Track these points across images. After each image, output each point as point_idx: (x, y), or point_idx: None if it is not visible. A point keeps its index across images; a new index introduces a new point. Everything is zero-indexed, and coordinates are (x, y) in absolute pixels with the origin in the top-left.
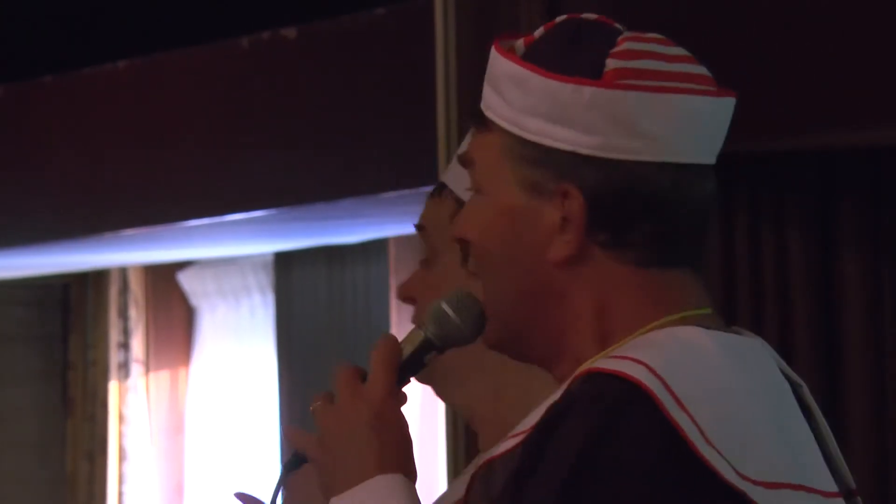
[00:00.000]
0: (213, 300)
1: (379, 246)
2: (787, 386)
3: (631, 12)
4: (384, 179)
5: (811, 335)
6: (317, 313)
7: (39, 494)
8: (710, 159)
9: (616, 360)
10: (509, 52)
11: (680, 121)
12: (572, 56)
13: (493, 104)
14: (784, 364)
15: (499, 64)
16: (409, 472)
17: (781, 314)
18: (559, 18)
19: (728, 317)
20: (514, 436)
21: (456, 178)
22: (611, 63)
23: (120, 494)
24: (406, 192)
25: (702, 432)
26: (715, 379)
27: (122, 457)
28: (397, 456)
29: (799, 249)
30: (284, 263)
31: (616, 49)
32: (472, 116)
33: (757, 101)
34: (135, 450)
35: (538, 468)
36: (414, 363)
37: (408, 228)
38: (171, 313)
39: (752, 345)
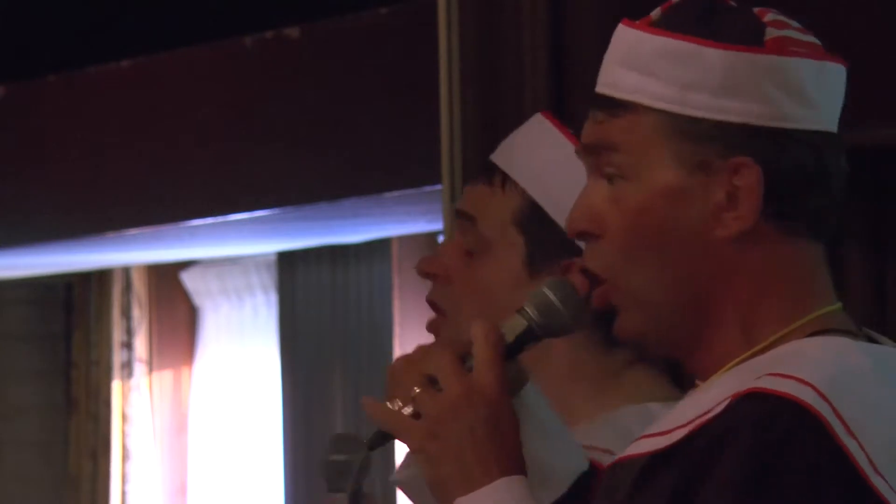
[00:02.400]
0: (217, 300)
1: (382, 246)
2: None
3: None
4: (387, 179)
5: None
6: (320, 313)
7: (43, 494)
8: (839, 130)
9: (782, 380)
10: (660, 29)
11: (833, 88)
12: (731, 26)
13: (636, 85)
14: None
15: (647, 42)
16: (524, 471)
17: None
18: None
19: None
20: (653, 435)
21: (523, 169)
22: (771, 31)
23: (123, 494)
24: (409, 191)
25: (870, 460)
26: (876, 401)
27: (125, 456)
28: (515, 455)
29: None
30: (288, 263)
31: (766, 19)
32: (594, 103)
33: None
34: (138, 449)
35: (701, 492)
36: (513, 352)
37: (411, 228)
38: (175, 313)
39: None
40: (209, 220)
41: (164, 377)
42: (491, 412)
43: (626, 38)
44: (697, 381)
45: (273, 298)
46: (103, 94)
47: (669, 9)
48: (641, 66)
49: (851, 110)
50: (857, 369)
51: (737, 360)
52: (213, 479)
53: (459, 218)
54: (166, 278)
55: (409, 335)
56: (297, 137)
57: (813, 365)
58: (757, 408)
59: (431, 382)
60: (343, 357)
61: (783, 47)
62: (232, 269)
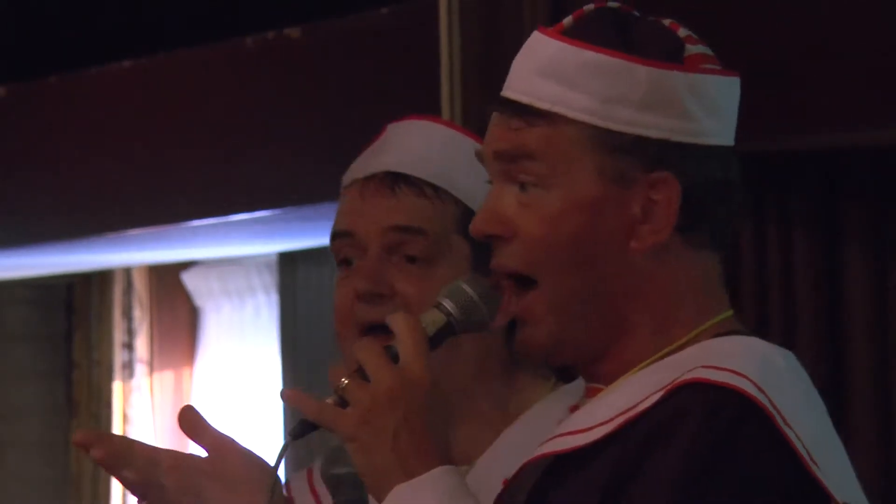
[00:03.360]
0: (218, 300)
1: None
2: (822, 402)
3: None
4: None
5: (816, 334)
6: (321, 313)
7: (44, 494)
8: None
9: (719, 372)
10: (582, 41)
11: (735, 102)
12: (652, 41)
13: (558, 96)
14: None
15: (571, 54)
16: (451, 461)
17: (787, 313)
18: (587, 8)
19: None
20: (568, 434)
21: (451, 179)
22: (689, 48)
23: (124, 494)
24: None
25: (806, 449)
26: (794, 396)
27: None
28: (444, 445)
29: (804, 249)
30: (289, 263)
31: (681, 34)
32: (509, 111)
33: (761, 102)
34: None
35: (648, 480)
36: (431, 346)
37: None
38: (176, 313)
39: (795, 360)
40: (210, 221)
41: (165, 378)
42: (423, 402)
43: (546, 48)
44: (595, 385)
45: (274, 299)
46: (104, 94)
47: (584, 19)
48: (564, 77)
49: (857, 110)
50: (776, 365)
51: (647, 361)
52: None
53: (405, 233)
54: (167, 279)
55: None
56: (298, 137)
57: (742, 359)
58: (701, 397)
59: (360, 374)
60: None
61: (700, 64)
62: (233, 270)
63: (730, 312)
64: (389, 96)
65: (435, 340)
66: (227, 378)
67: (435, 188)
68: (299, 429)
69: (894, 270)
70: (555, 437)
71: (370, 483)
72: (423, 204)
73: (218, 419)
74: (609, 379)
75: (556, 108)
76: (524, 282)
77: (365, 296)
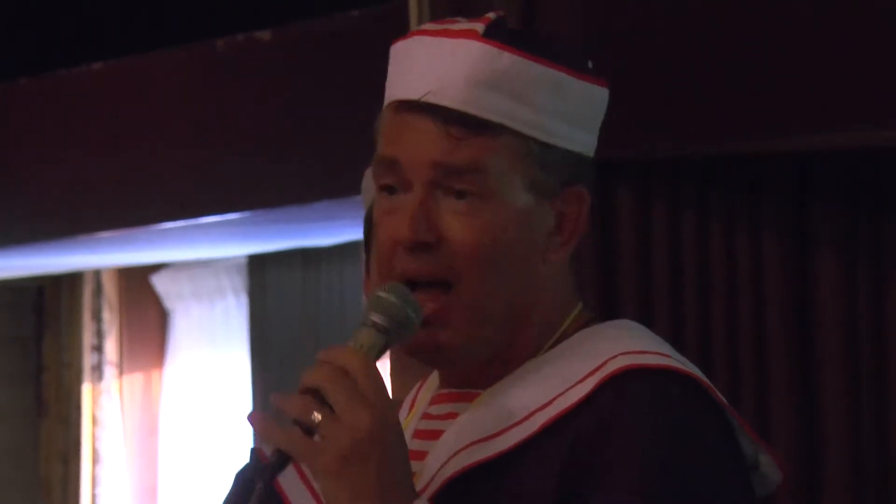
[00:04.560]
0: (187, 303)
1: (353, 248)
2: None
3: (600, 17)
4: (358, 182)
5: (786, 337)
6: (291, 316)
7: (13, 497)
8: None
9: (648, 356)
10: (540, 58)
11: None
12: (576, 55)
13: (506, 108)
14: None
15: (526, 68)
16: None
17: (757, 315)
18: (491, 14)
19: (703, 317)
20: (483, 440)
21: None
22: (590, 63)
23: (93, 497)
24: None
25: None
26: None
27: (95, 459)
28: (411, 477)
29: (774, 251)
30: (258, 266)
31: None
32: (452, 121)
33: (732, 104)
34: (108, 452)
35: (610, 473)
36: None
37: None
38: (145, 316)
39: None
40: (180, 224)
41: (135, 380)
42: (397, 439)
43: (494, 60)
44: (471, 391)
45: (243, 301)
46: (74, 96)
47: (512, 30)
48: (512, 90)
49: (827, 113)
50: (663, 340)
51: (530, 360)
52: (184, 482)
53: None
54: (137, 281)
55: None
56: (268, 140)
57: (644, 342)
58: (646, 384)
59: (326, 408)
60: (313, 360)
61: (602, 78)
62: (202, 272)
63: (580, 306)
64: (360, 98)
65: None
66: (197, 380)
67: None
68: (280, 463)
69: (864, 273)
70: (462, 448)
71: None
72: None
73: (187, 421)
74: (487, 382)
75: (503, 120)
76: (442, 286)
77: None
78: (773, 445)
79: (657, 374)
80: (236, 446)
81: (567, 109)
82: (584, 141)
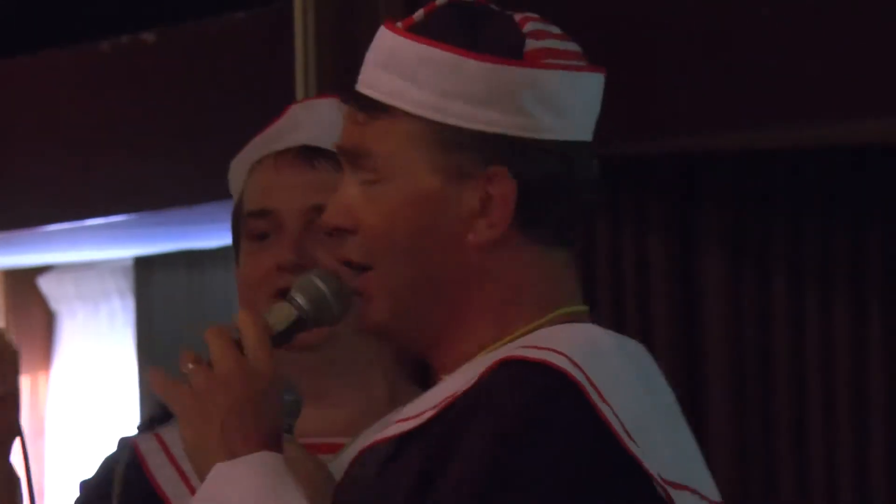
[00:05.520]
0: (73, 305)
1: None
2: (670, 391)
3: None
4: None
5: (671, 337)
6: (177, 317)
7: None
8: (591, 136)
9: (536, 350)
10: (421, 35)
11: (587, 98)
12: (492, 36)
13: (397, 89)
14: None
15: (408, 47)
16: (281, 450)
17: (642, 316)
18: (439, 2)
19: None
20: (402, 420)
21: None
22: (531, 43)
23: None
24: None
25: (623, 426)
26: (620, 377)
27: None
28: (276, 434)
29: (660, 252)
30: (144, 268)
31: (526, 29)
32: (355, 104)
33: (618, 105)
34: None
35: (456, 460)
36: (284, 339)
37: None
38: (32, 318)
39: (640, 348)
40: (65, 226)
41: (22, 382)
42: (260, 391)
43: (388, 41)
44: (442, 376)
45: (130, 303)
46: None
47: (432, 13)
48: (403, 71)
49: (713, 115)
50: (603, 346)
51: (483, 350)
52: (71, 484)
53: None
54: (23, 283)
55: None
56: (153, 142)
57: (565, 340)
58: (511, 372)
59: (203, 362)
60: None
61: (540, 59)
62: (88, 274)
63: (580, 307)
64: (245, 101)
65: (286, 334)
66: (84, 382)
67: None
68: (162, 416)
69: (749, 274)
70: (389, 425)
71: (193, 460)
72: (341, 178)
73: (74, 423)
74: (451, 369)
75: (395, 102)
76: (362, 269)
77: (289, 266)
78: None
79: (528, 365)
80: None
81: (467, 89)
82: (501, 121)
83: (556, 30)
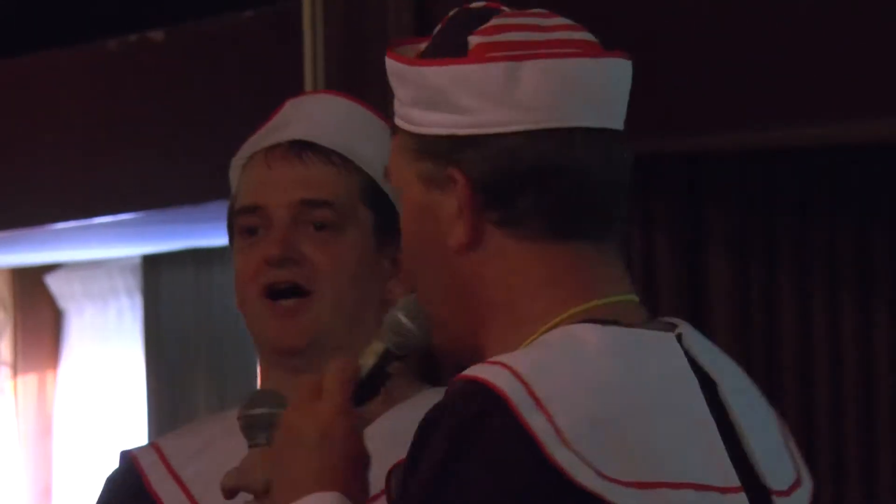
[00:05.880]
0: (81, 303)
1: None
2: (689, 380)
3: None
4: None
5: None
6: (184, 316)
7: None
8: (604, 123)
9: (482, 366)
10: (391, 52)
11: (551, 85)
12: (440, 42)
13: (394, 106)
14: (710, 357)
15: (388, 65)
16: (351, 491)
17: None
18: (452, 12)
19: None
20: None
21: (354, 147)
22: (473, 40)
23: None
24: None
25: (559, 434)
26: (589, 378)
27: None
28: (338, 474)
29: (666, 251)
30: (152, 266)
31: (481, 27)
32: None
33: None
34: (2, 453)
35: (409, 483)
36: (378, 375)
37: None
38: (39, 316)
39: (650, 338)
40: (73, 224)
41: (29, 381)
42: (319, 433)
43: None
44: None
45: (137, 301)
46: None
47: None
48: (391, 87)
49: (719, 114)
50: (579, 349)
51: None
52: (78, 483)
53: (314, 206)
54: (30, 281)
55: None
56: (161, 140)
57: (536, 350)
58: (455, 392)
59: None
60: (207, 360)
61: (484, 53)
62: (96, 273)
63: (594, 302)
64: (253, 99)
65: (377, 370)
66: (91, 381)
67: (341, 157)
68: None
69: (756, 273)
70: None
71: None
72: (330, 172)
73: (82, 422)
74: None
75: (396, 119)
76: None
77: (275, 261)
78: None
79: (464, 383)
80: (131, 446)
81: (418, 95)
82: (446, 122)
83: (545, 21)
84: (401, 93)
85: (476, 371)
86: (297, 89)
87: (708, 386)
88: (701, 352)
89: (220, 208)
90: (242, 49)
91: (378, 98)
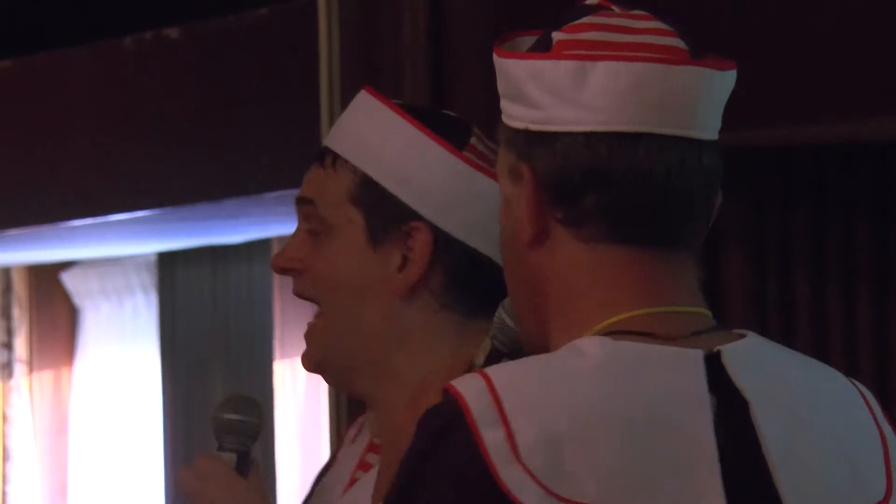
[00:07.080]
0: (97, 300)
1: (262, 246)
2: (694, 402)
3: (517, 9)
4: (267, 180)
5: None
6: (200, 313)
7: None
8: (678, 130)
9: (468, 375)
10: (496, 43)
11: (619, 88)
12: (539, 37)
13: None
14: (756, 377)
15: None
16: None
17: None
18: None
19: None
20: None
21: (351, 146)
22: (556, 37)
23: (3, 494)
24: (289, 192)
25: (514, 450)
26: (565, 393)
27: (5, 457)
28: None
29: None
30: (168, 263)
31: (571, 24)
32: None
33: None
34: (18, 450)
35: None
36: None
37: (291, 228)
38: (55, 313)
39: (667, 355)
40: (89, 221)
41: (45, 377)
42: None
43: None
44: None
45: (153, 299)
46: None
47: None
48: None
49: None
50: (561, 365)
51: None
52: (94, 480)
53: (300, 205)
54: (47, 278)
55: (289, 335)
56: (177, 138)
57: (524, 361)
58: (434, 402)
59: None
60: (223, 357)
61: (560, 51)
62: (112, 270)
63: (642, 310)
64: (269, 96)
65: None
66: (107, 377)
67: (335, 158)
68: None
69: (771, 270)
70: None
71: None
72: (320, 174)
73: (97, 419)
74: None
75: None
76: None
77: (277, 271)
78: None
79: (444, 390)
80: (145, 443)
81: (506, 90)
82: (526, 116)
83: (636, 24)
84: (498, 83)
85: (457, 380)
86: (312, 85)
87: (737, 408)
88: (744, 370)
89: (236, 205)
90: (258, 46)
91: (392, 95)
